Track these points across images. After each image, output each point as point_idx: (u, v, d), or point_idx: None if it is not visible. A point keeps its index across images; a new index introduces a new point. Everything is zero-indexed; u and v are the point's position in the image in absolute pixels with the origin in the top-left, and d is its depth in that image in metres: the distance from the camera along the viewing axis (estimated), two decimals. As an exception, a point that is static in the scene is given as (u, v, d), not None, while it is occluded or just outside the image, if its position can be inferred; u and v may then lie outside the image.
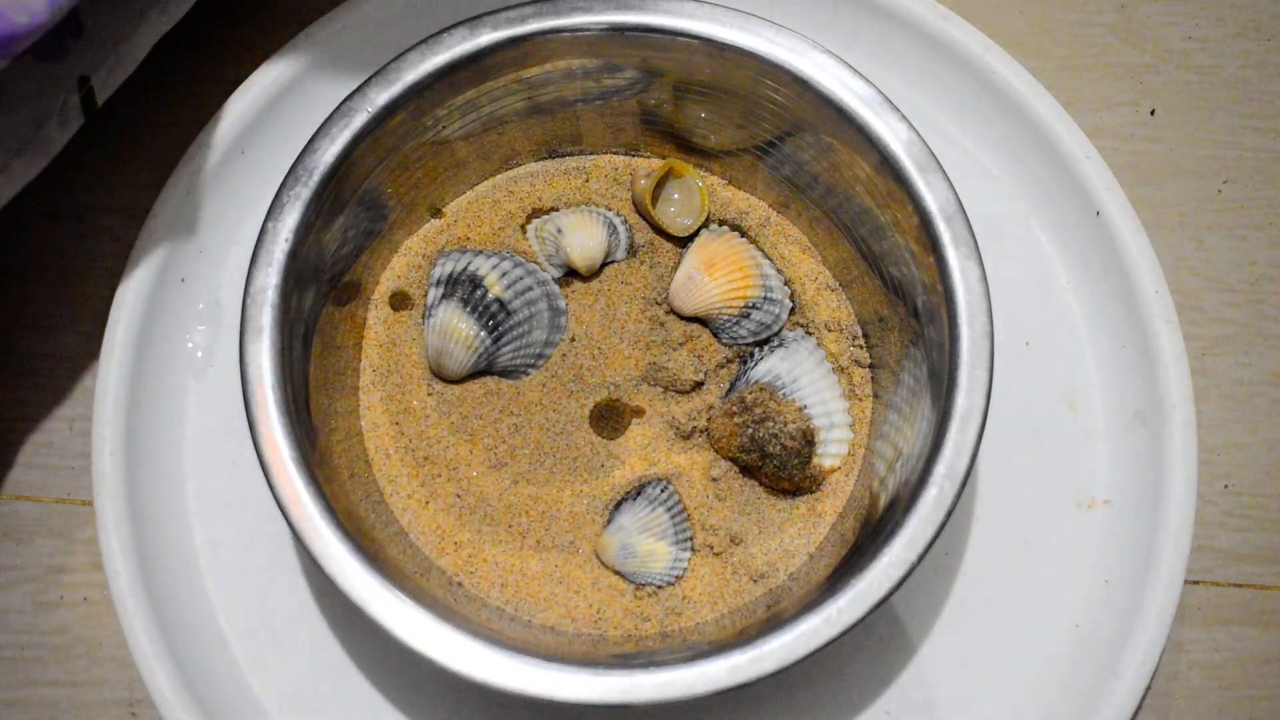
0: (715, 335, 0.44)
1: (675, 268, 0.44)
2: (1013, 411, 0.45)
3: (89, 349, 0.46)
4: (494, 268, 0.43)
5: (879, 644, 0.43)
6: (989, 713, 0.42)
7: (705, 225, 0.44)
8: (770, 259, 0.44)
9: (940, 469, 0.36)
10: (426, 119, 0.40)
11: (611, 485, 0.42)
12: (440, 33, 0.39)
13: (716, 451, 0.42)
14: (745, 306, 0.43)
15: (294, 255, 0.38)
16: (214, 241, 0.45)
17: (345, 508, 0.37)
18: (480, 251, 0.43)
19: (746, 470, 0.42)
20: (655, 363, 0.43)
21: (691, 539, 0.41)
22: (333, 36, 0.45)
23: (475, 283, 0.42)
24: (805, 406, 0.42)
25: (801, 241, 0.44)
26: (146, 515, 0.42)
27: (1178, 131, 0.50)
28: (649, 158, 0.45)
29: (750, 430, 0.41)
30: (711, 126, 0.43)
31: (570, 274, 0.44)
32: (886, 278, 0.41)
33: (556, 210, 0.44)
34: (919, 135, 0.38)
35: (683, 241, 0.44)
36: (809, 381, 0.42)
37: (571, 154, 0.45)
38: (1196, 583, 0.46)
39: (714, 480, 0.42)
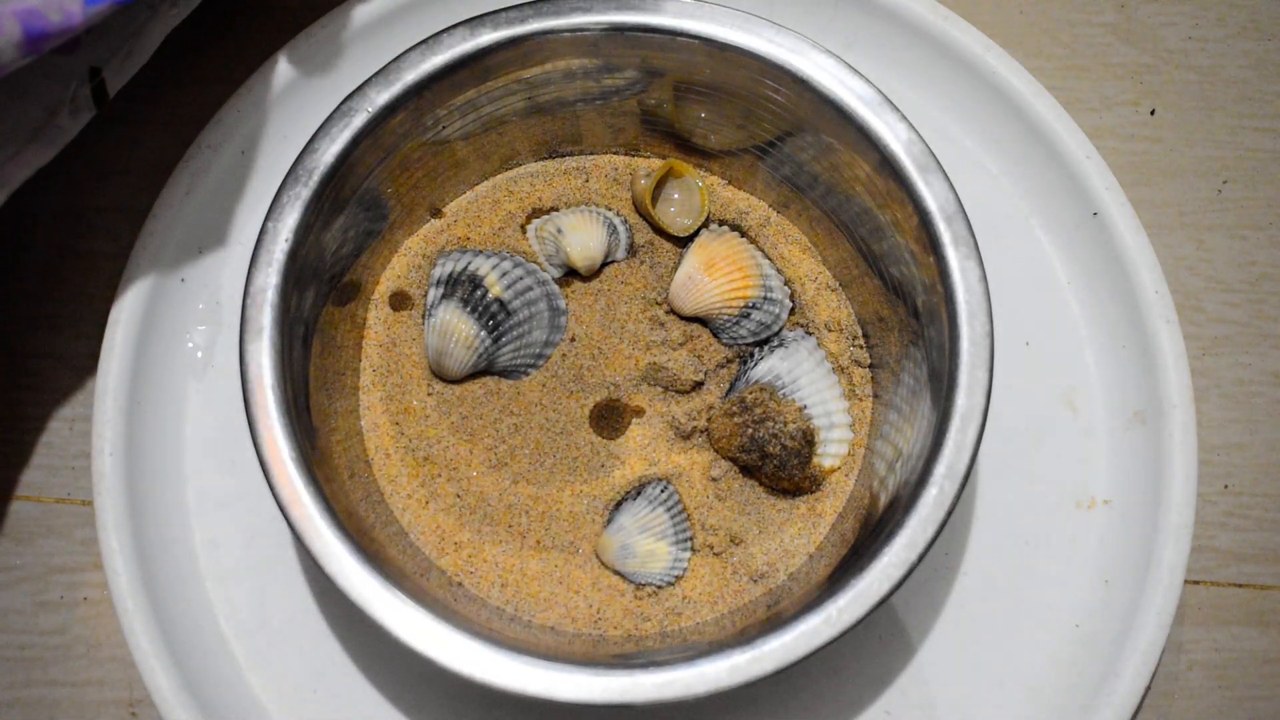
0: (715, 335, 0.44)
1: (675, 268, 0.44)
2: (1013, 411, 0.45)
3: (89, 349, 0.46)
4: (494, 268, 0.43)
5: (879, 644, 0.43)
6: (989, 713, 0.42)
7: (705, 225, 0.44)
8: (770, 259, 0.44)
9: (940, 469, 0.36)
10: (426, 119, 0.40)
11: (611, 485, 0.42)
12: (440, 33, 0.39)
13: (716, 451, 0.42)
14: (745, 306, 0.43)
15: (294, 255, 0.38)
16: (214, 241, 0.45)
17: (345, 508, 0.37)
18: (480, 251, 0.43)
19: (746, 470, 0.42)
20: (655, 363, 0.43)
21: (691, 539, 0.41)
22: (333, 36, 0.45)
23: (475, 283, 0.42)
24: (805, 406, 0.42)
25: (801, 241, 0.44)
26: (146, 515, 0.42)
27: (1178, 131, 0.50)
28: (649, 158, 0.45)
29: (750, 430, 0.41)
30: (711, 126, 0.43)
31: (570, 274, 0.44)
32: (886, 278, 0.41)
33: (556, 210, 0.44)
34: (919, 135, 0.38)
35: (683, 241, 0.44)
36: (809, 381, 0.42)
37: (571, 154, 0.45)
38: (1196, 583, 0.46)
39: (714, 480, 0.42)
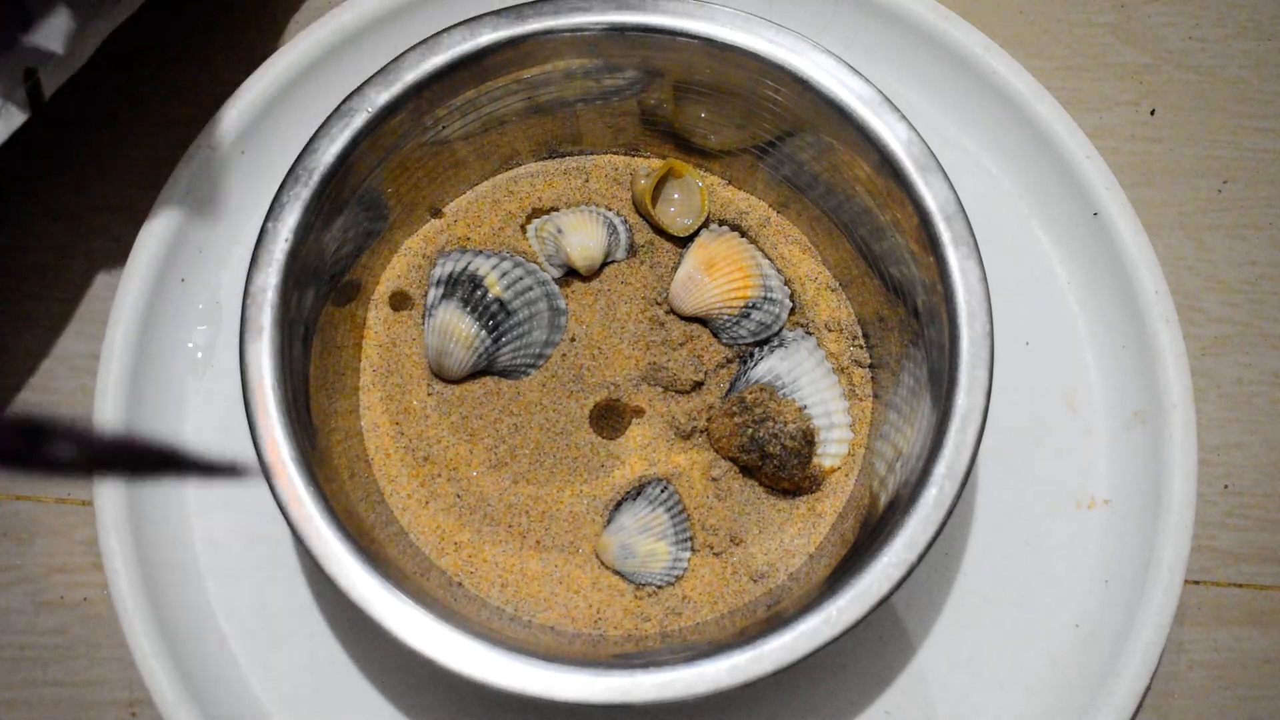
0: (715, 335, 0.44)
1: (675, 268, 0.44)
2: (1013, 411, 0.45)
3: (89, 349, 0.46)
4: (494, 268, 0.43)
5: (879, 644, 0.43)
6: (989, 713, 0.42)
7: (705, 225, 0.44)
8: (770, 259, 0.44)
9: (940, 469, 0.36)
10: (426, 119, 0.40)
11: (611, 485, 0.42)
12: (440, 33, 0.39)
13: (716, 451, 0.42)
14: (745, 306, 0.43)
15: (294, 255, 0.38)
16: (214, 241, 0.45)
17: (345, 508, 0.37)
18: (480, 251, 0.43)
19: (746, 470, 0.42)
20: (655, 363, 0.43)
21: (691, 539, 0.41)
22: (333, 36, 0.45)
23: (475, 283, 0.42)
24: (805, 406, 0.42)
25: (801, 241, 0.44)
26: (146, 515, 0.42)
27: (1178, 131, 0.50)
28: (649, 158, 0.45)
29: (750, 430, 0.41)
30: (711, 126, 0.43)
31: (570, 274, 0.44)
32: (886, 278, 0.41)
33: (556, 210, 0.44)
34: (919, 135, 0.38)
35: (683, 241, 0.44)
36: (809, 381, 0.42)
37: (571, 154, 0.45)
38: (1196, 583, 0.46)
39: (714, 480, 0.42)
